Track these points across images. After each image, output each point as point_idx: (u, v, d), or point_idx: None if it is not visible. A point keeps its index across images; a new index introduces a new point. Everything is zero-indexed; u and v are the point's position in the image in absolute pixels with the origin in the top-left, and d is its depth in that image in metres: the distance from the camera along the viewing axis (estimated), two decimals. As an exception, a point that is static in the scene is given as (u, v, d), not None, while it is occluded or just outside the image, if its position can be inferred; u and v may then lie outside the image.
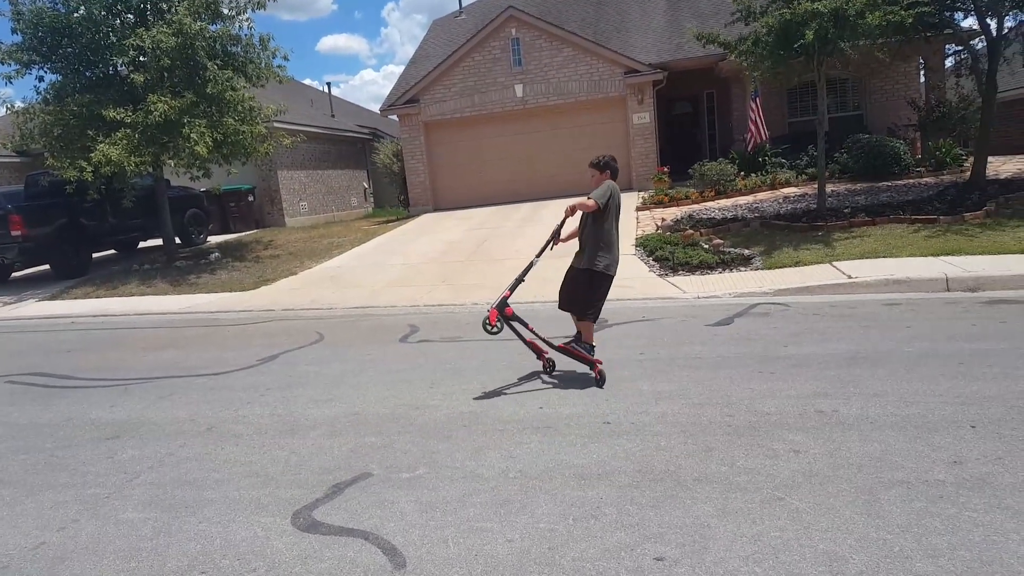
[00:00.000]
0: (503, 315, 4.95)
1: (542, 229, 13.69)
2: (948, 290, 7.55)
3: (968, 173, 12.77)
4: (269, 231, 18.61)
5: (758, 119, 15.84)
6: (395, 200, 22.37)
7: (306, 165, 21.50)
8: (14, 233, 12.46)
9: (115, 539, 3.36)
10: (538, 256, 5.15)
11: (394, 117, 19.72)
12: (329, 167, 22.99)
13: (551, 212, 15.44)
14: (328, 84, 31.04)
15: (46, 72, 12.76)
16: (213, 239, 17.05)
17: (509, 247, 12.39)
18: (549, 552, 2.91)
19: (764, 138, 15.91)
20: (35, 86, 12.94)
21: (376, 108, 30.46)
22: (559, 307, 5.41)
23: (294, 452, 4.26)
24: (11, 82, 12.49)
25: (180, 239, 15.22)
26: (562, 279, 5.38)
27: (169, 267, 13.33)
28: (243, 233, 18.46)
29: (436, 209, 18.64)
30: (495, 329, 4.84)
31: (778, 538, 2.88)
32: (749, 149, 15.92)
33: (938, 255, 8.70)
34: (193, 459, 4.29)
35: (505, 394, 5.04)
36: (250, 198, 19.50)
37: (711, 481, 3.43)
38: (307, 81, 43.56)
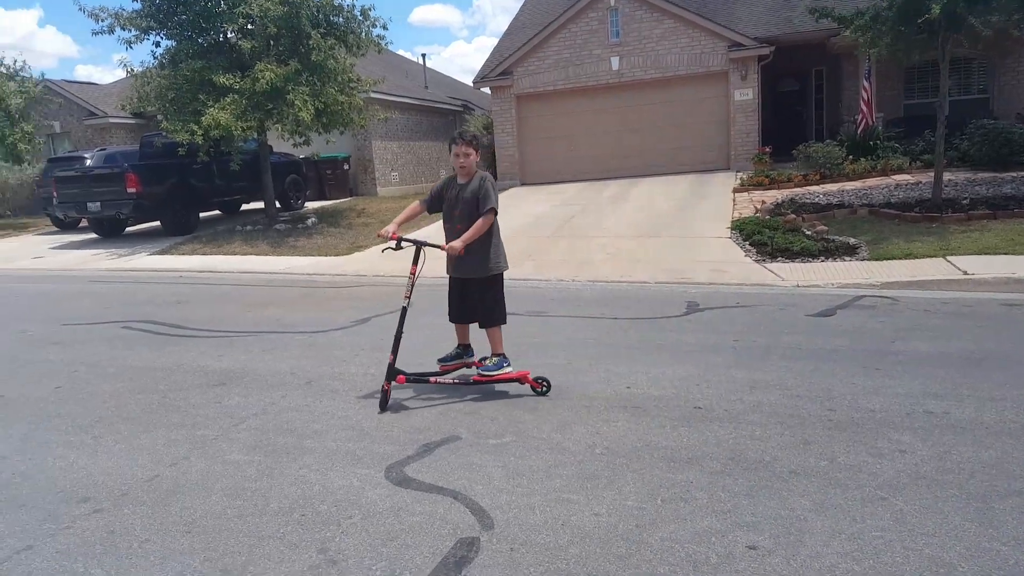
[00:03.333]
0: (395, 383, 4.46)
1: (632, 207, 13.49)
2: (1079, 293, 6.94)
3: (1110, 166, 11.62)
4: (362, 199, 19.15)
5: (870, 100, 14.95)
6: (484, 172, 22.52)
7: (399, 136, 21.92)
8: (130, 190, 13.36)
9: (222, 477, 3.58)
10: (408, 299, 4.47)
11: (486, 89, 19.76)
12: (420, 138, 23.35)
13: (642, 190, 15.17)
14: (423, 56, 31.49)
15: (162, 38, 13.44)
16: (310, 205, 17.71)
17: (597, 224, 12.26)
18: (637, 530, 2.90)
19: (872, 121, 15.03)
20: (152, 51, 13.65)
21: (466, 80, 30.65)
22: (453, 320, 4.73)
23: (387, 410, 4.41)
24: (131, 47, 13.23)
25: (279, 203, 15.87)
26: (450, 291, 4.69)
27: (269, 229, 13.95)
28: (337, 200, 19.08)
29: (523, 183, 18.64)
30: (386, 405, 4.38)
31: (879, 538, 2.76)
32: (859, 131, 15.05)
33: (1068, 255, 8.01)
34: (294, 409, 4.51)
35: (591, 371, 5.01)
36: (345, 166, 20.11)
37: (808, 475, 3.32)
38: (400, 52, 44.29)
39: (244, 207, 17.13)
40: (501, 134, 18.85)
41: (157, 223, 14.99)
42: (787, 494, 3.15)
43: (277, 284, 9.65)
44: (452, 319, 4.76)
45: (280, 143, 14.89)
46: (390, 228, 4.30)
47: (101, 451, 3.98)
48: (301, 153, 16.35)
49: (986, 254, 8.33)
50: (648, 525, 2.93)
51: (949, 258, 8.30)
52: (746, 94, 16.75)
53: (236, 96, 12.11)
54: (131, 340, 6.62)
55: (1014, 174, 12.49)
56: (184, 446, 4.00)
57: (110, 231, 15.22)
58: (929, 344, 5.36)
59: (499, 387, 4.71)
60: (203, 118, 11.89)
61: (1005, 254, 8.28)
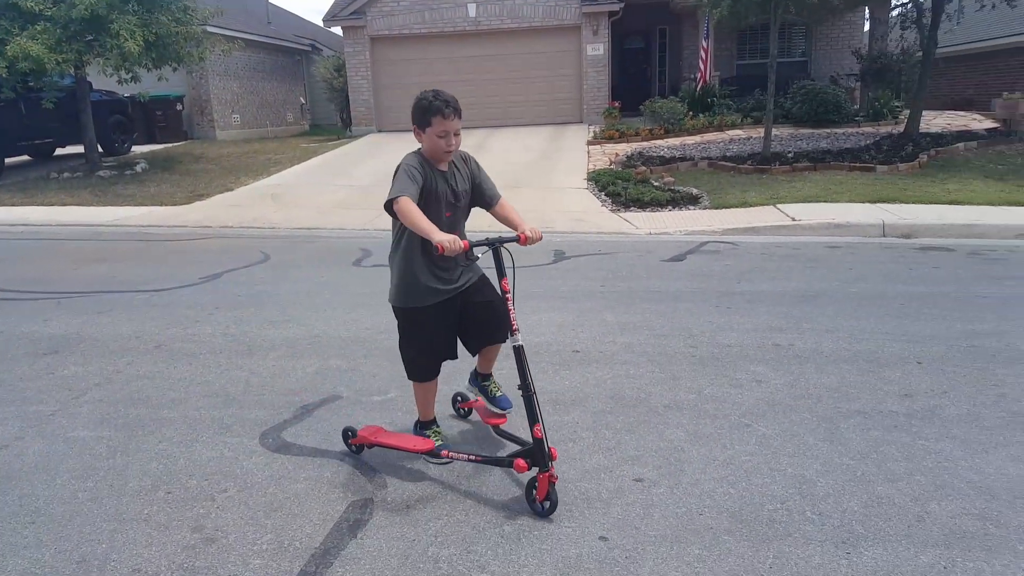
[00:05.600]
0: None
1: (493, 158, 13.44)
2: (884, 236, 7.91)
3: (903, 125, 13.25)
4: (199, 143, 17.55)
5: (708, 59, 15.89)
6: (335, 118, 21.44)
7: (240, 75, 20.19)
8: None
9: (67, 458, 3.19)
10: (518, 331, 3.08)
11: (337, 30, 18.65)
12: (264, 79, 21.68)
13: (502, 141, 15.16)
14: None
15: None
16: (138, 149, 15.95)
17: (458, 174, 12.13)
18: (530, 474, 2.94)
19: (709, 80, 16.04)
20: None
21: (311, 19, 28.73)
22: (478, 349, 3.36)
23: (254, 373, 4.12)
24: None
25: (102, 147, 14.14)
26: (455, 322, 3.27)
27: (91, 176, 12.46)
28: (170, 144, 17.33)
29: (380, 130, 17.98)
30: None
31: (749, 462, 3.01)
32: (698, 89, 15.99)
33: (875, 202, 9.07)
34: (144, 377, 4.10)
35: (469, 320, 4.99)
36: (179, 107, 18.25)
37: (681, 408, 3.54)
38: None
39: (59, 152, 15.12)
40: (355, 77, 17.98)
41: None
42: (664, 427, 3.34)
43: (107, 238, 8.63)
44: (476, 350, 3.34)
45: (103, 80, 13.12)
46: (446, 240, 2.65)
47: (-97, 435, 3.38)
48: (127, 91, 14.58)
49: (809, 202, 9.24)
50: (541, 469, 2.98)
51: (779, 206, 9.11)
52: (597, 49, 17.15)
53: (48, 24, 10.49)
54: (-72, 305, 5.66)
55: (829, 130, 13.93)
56: (15, 424, 3.53)
57: None
58: (769, 284, 5.88)
59: (386, 343, 4.55)
60: (8, 48, 10.22)
61: (824, 202, 9.24)
